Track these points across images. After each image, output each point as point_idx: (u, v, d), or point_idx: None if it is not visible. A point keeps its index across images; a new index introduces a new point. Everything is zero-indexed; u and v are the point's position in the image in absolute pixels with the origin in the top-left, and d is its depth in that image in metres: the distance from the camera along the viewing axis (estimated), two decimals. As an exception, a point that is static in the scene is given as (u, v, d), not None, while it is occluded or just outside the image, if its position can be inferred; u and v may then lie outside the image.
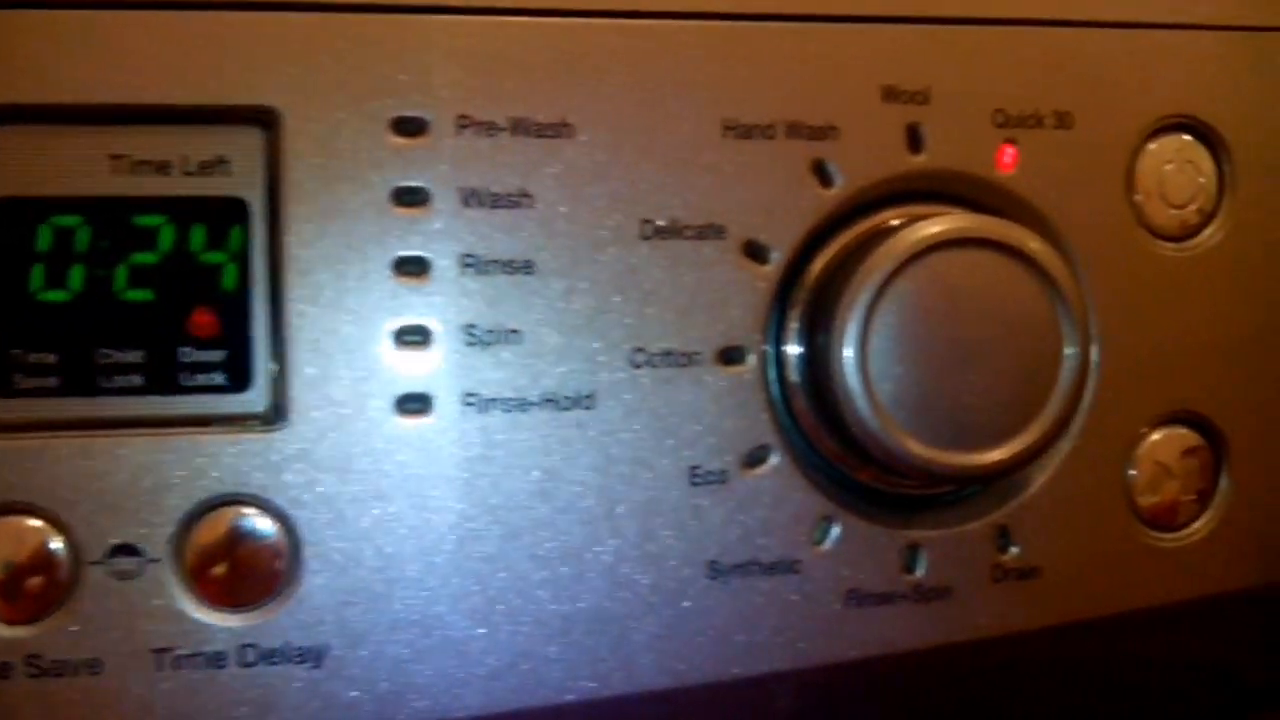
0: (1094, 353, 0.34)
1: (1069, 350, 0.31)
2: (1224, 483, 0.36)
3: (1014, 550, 0.34)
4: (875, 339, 0.30)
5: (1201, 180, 0.35)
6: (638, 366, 0.31)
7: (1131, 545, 0.35)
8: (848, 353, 0.30)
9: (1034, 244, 0.31)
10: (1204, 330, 0.35)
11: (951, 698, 0.35)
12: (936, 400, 0.31)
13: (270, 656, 0.30)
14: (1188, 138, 0.35)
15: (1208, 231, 0.35)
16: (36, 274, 0.29)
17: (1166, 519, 0.35)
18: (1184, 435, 0.35)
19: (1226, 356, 0.35)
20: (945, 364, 0.31)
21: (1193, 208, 0.35)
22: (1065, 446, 0.34)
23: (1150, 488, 0.35)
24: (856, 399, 0.30)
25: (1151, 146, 0.34)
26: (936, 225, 0.31)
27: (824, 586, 0.33)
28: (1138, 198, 0.34)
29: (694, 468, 0.31)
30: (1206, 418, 0.35)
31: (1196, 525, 0.36)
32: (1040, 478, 0.34)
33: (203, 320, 0.29)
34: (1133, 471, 0.35)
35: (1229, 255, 0.35)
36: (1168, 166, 0.34)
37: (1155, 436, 0.35)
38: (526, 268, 0.30)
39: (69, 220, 0.29)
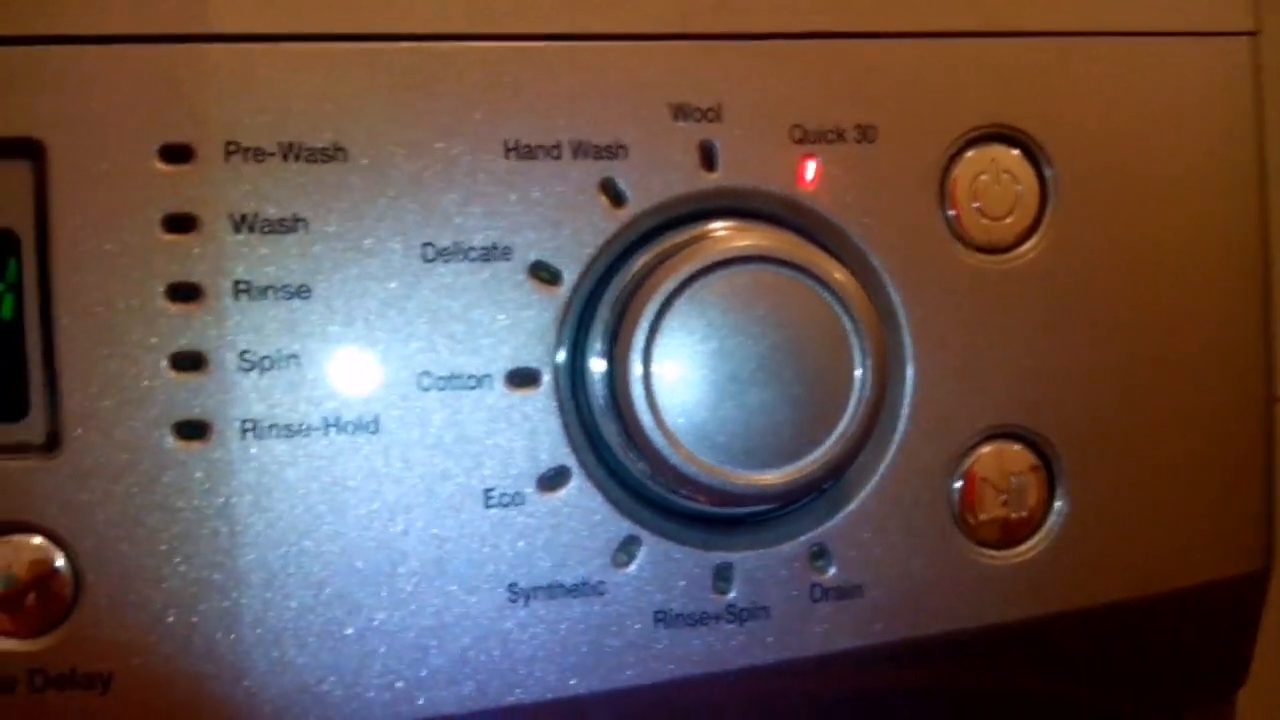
0: (909, 369, 0.33)
1: (858, 372, 0.31)
2: (1058, 502, 0.35)
3: (833, 570, 0.33)
4: (661, 357, 0.30)
5: (1020, 192, 0.34)
6: (425, 389, 0.31)
7: (959, 564, 0.34)
8: (635, 371, 0.30)
9: (822, 262, 0.31)
10: (1030, 345, 0.34)
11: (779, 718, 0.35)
12: (725, 420, 0.31)
13: (58, 682, 0.30)
14: (1005, 148, 0.34)
15: (1030, 244, 0.34)
16: None
17: (997, 537, 0.35)
18: (1015, 452, 0.35)
19: (1055, 372, 0.35)
20: (734, 383, 0.31)
21: (1010, 220, 0.34)
22: (883, 463, 0.33)
23: (979, 505, 0.34)
24: (643, 418, 0.30)
25: (966, 158, 0.34)
26: (719, 244, 0.30)
27: (631, 608, 0.32)
28: (951, 211, 0.34)
29: (488, 490, 0.31)
30: (1038, 435, 0.35)
31: (1029, 544, 0.35)
32: (859, 495, 0.33)
33: (-24, 352, 0.30)
34: (958, 486, 0.34)
35: (1054, 268, 0.34)
36: (982, 178, 0.34)
37: (982, 453, 0.34)
38: (303, 292, 0.30)
39: None
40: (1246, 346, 0.36)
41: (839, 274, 0.31)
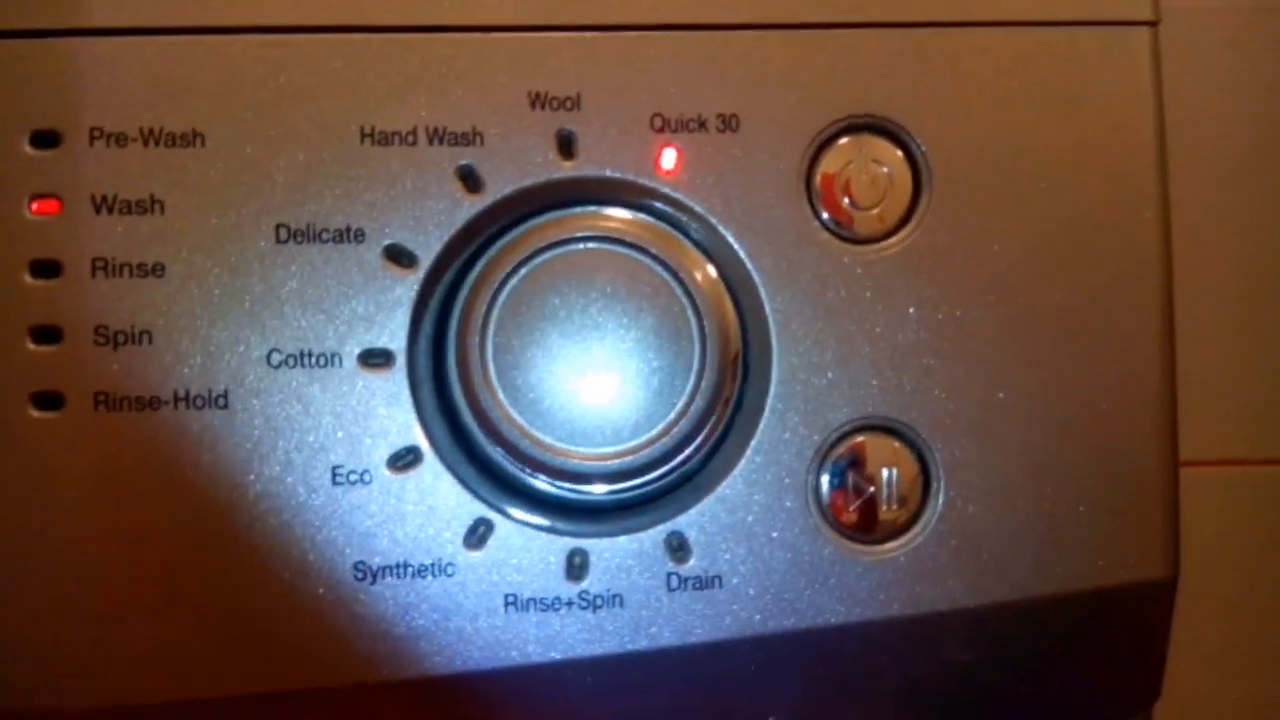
0: (774, 360, 0.33)
1: (696, 347, 0.31)
2: (934, 497, 0.34)
3: (692, 560, 0.33)
4: (503, 335, 0.31)
5: (890, 181, 0.34)
6: (275, 367, 0.32)
7: (825, 558, 0.34)
8: (476, 349, 0.31)
9: (661, 240, 0.31)
10: (901, 337, 0.34)
11: (636, 710, 0.34)
12: (567, 398, 0.31)
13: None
14: (875, 138, 0.34)
15: (902, 234, 0.34)
16: None
17: (868, 531, 0.34)
18: (887, 445, 0.34)
19: (928, 365, 0.34)
20: (577, 362, 0.31)
21: (878, 211, 0.34)
22: (747, 453, 0.33)
23: (848, 498, 0.34)
24: (483, 395, 0.31)
25: (836, 147, 0.34)
26: (553, 225, 0.31)
27: (481, 590, 0.32)
28: (819, 201, 0.34)
29: (336, 467, 0.32)
30: (911, 428, 0.34)
31: (901, 540, 0.34)
32: (719, 486, 0.33)
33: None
34: (825, 479, 0.34)
35: (928, 258, 0.34)
36: (850, 167, 0.34)
37: (852, 443, 0.34)
38: (157, 270, 0.31)
39: None
40: (1145, 340, 0.35)
41: (678, 251, 0.31)
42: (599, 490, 0.33)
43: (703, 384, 0.31)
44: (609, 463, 0.31)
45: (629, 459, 0.31)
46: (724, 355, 0.31)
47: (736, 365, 0.33)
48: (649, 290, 0.31)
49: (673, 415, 0.31)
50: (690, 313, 0.31)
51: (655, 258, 0.31)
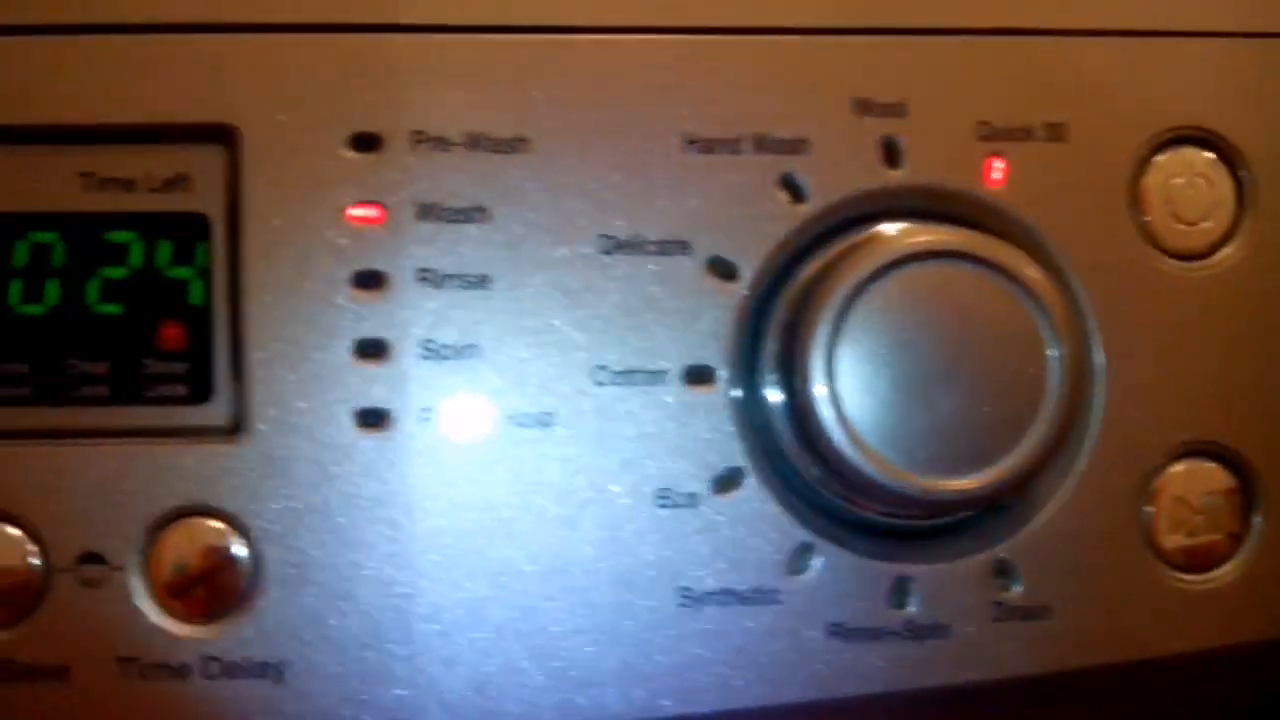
0: (1099, 380, 0.32)
1: (1051, 352, 0.29)
2: (1257, 522, 0.33)
3: (1017, 588, 0.32)
4: (846, 360, 0.29)
5: (1217, 196, 0.33)
6: (600, 384, 0.30)
7: (1152, 587, 0.32)
8: (818, 376, 0.29)
9: (1012, 257, 0.30)
10: (1226, 356, 0.33)
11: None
12: (915, 424, 0.29)
13: (233, 670, 0.30)
14: (1200, 151, 0.33)
15: (1227, 250, 0.33)
16: (14, 289, 0.30)
17: (1192, 560, 0.33)
18: (1210, 470, 0.33)
19: (1255, 385, 0.33)
20: (922, 385, 0.29)
21: (1206, 225, 0.33)
22: (1072, 478, 0.32)
23: (1172, 525, 0.33)
24: (828, 424, 0.29)
25: (1158, 160, 0.33)
26: (898, 239, 0.30)
27: (806, 619, 0.31)
28: (1144, 214, 0.32)
29: (661, 490, 0.30)
30: (1235, 451, 0.33)
31: (1227, 568, 0.33)
32: (1045, 511, 0.32)
33: (170, 334, 0.30)
34: (1150, 508, 0.32)
35: (1252, 275, 0.33)
36: (1177, 181, 0.33)
37: (1176, 470, 0.33)
38: (483, 282, 0.30)
39: (45, 236, 0.30)
40: None
41: (1030, 269, 0.30)
42: (927, 516, 0.32)
43: (1059, 403, 0.29)
44: (962, 490, 0.29)
45: (985, 485, 0.29)
46: (1076, 371, 0.30)
47: (1086, 387, 0.31)
48: (998, 307, 0.30)
49: (1029, 438, 0.29)
50: (1046, 329, 0.30)
51: (1007, 273, 0.29)
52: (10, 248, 0.30)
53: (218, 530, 0.30)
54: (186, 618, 0.30)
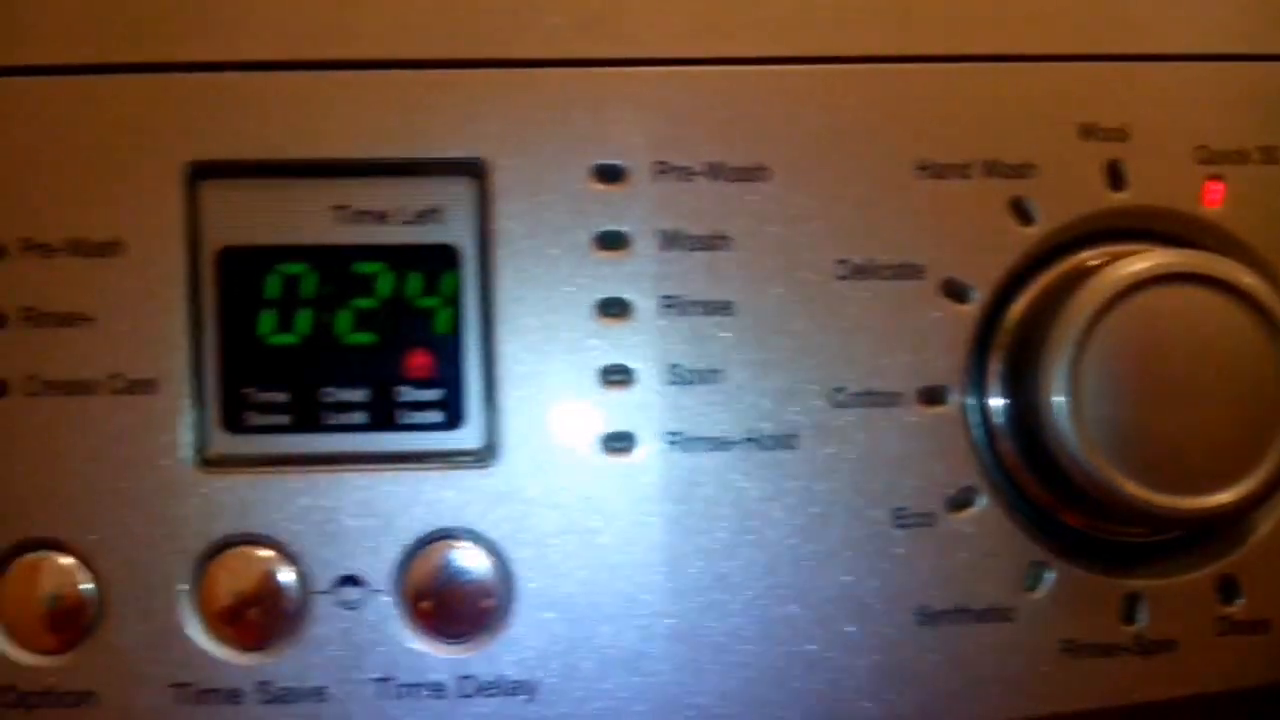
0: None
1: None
2: None
3: (1240, 601, 0.32)
4: (1085, 381, 0.30)
5: None
6: (839, 406, 0.31)
7: (1372, 598, 0.33)
8: (1058, 396, 0.30)
9: (1247, 278, 0.30)
10: None
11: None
12: (1153, 443, 0.30)
13: (487, 689, 0.30)
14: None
15: None
16: (266, 319, 0.31)
17: None
18: None
19: None
20: (1159, 405, 0.30)
21: None
22: (1288, 493, 0.32)
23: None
24: (1070, 443, 0.30)
25: (1372, 179, 0.33)
26: (1144, 261, 0.30)
27: (1039, 635, 0.32)
28: (1359, 234, 0.33)
29: (899, 510, 0.31)
30: None
31: None
32: (1266, 525, 0.32)
33: (418, 362, 0.31)
34: (1374, 521, 0.33)
35: None
36: (1386, 200, 0.33)
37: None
38: (725, 308, 0.31)
39: (296, 268, 0.31)
40: None
41: (1263, 290, 0.30)
42: (1157, 532, 0.32)
43: (1294, 427, 0.30)
44: (1199, 507, 0.30)
45: (1232, 504, 0.30)
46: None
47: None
48: (1231, 327, 0.30)
49: (1269, 458, 0.30)
50: (1280, 347, 0.30)
51: (1240, 292, 0.30)
52: (262, 279, 0.31)
53: (469, 552, 0.30)
54: (441, 638, 0.30)
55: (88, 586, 0.30)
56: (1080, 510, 0.31)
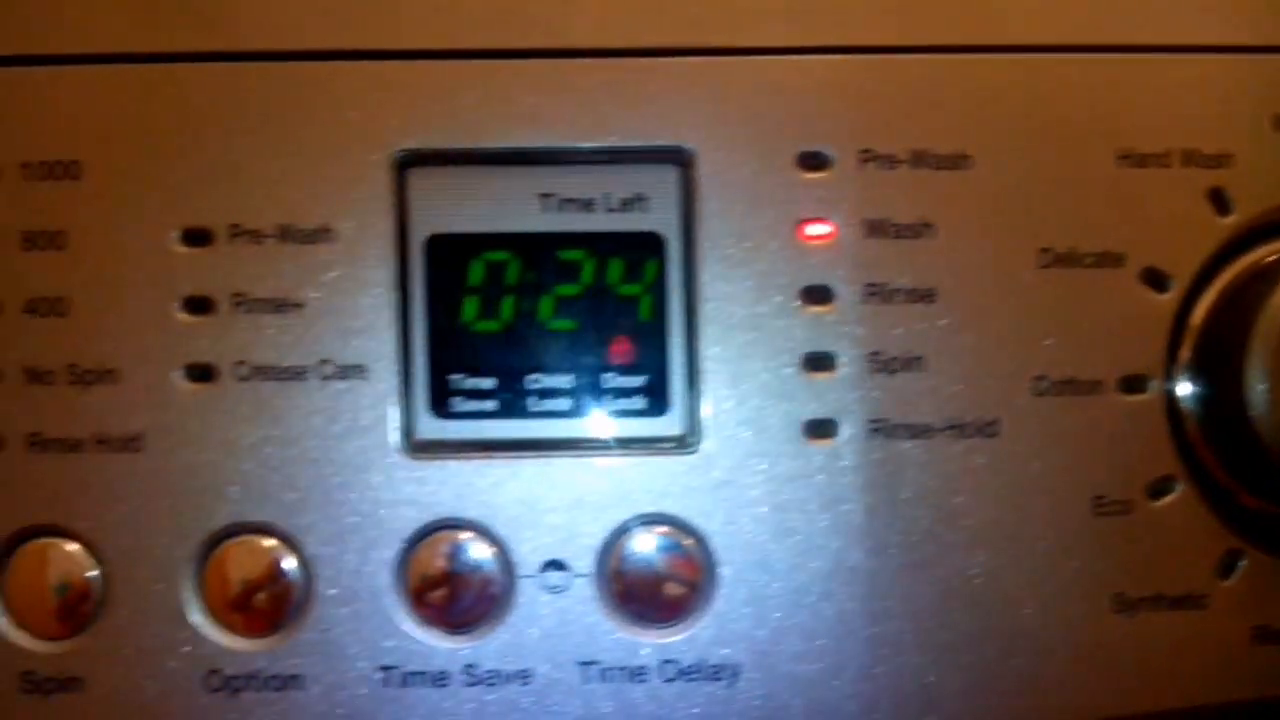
0: None
1: None
2: None
3: None
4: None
5: None
6: (1040, 394, 0.31)
7: None
8: (1259, 385, 0.30)
9: None
10: None
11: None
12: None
13: (689, 673, 0.30)
14: None
15: None
16: (470, 306, 0.31)
17: None
18: None
19: None
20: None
21: None
22: None
23: None
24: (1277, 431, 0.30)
25: None
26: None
27: (1232, 622, 0.32)
28: None
29: (1098, 497, 0.31)
30: None
31: None
32: None
33: (620, 348, 0.31)
34: None
35: None
36: None
37: None
38: (929, 296, 0.31)
39: (500, 255, 0.31)
40: None
41: None
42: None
43: None
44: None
45: None
46: None
47: None
48: None
49: None
50: None
51: None
52: (466, 266, 0.31)
53: (672, 537, 0.31)
54: (643, 622, 0.31)
55: (294, 570, 0.30)
56: (1275, 498, 0.31)
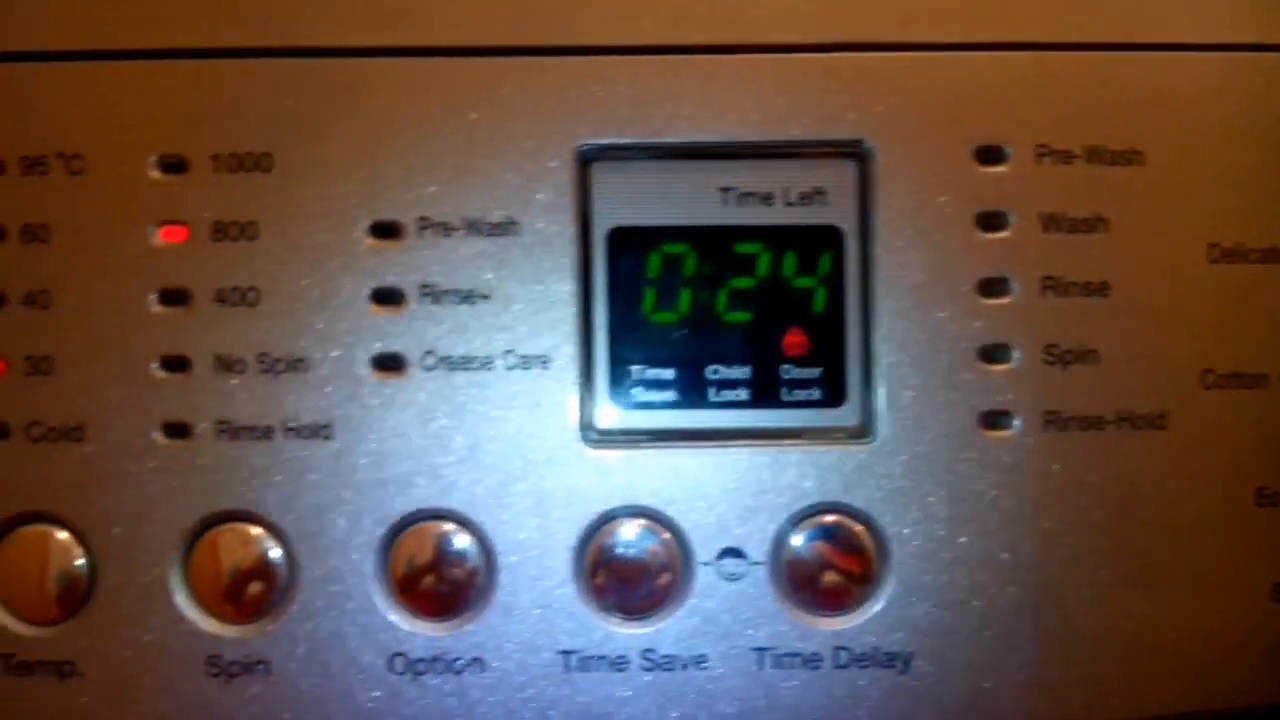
0: None
1: None
2: None
3: None
4: None
5: None
6: (1208, 387, 0.31)
7: None
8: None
9: None
10: None
11: None
12: None
13: (861, 660, 0.31)
14: None
15: None
16: (648, 297, 0.31)
17: None
18: None
19: None
20: None
21: None
22: None
23: None
24: None
25: None
26: None
27: (1382, 611, 0.32)
28: None
29: (1261, 489, 0.32)
30: None
31: None
32: None
33: (795, 340, 0.32)
34: None
35: None
36: None
37: None
38: (1102, 290, 0.31)
39: (678, 248, 0.31)
40: None
41: None
42: None
43: None
44: None
45: None
46: None
47: None
48: None
49: None
50: None
51: None
52: (645, 258, 0.31)
53: (846, 527, 0.31)
54: (817, 610, 0.31)
55: (475, 555, 0.31)
56: None
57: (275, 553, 0.31)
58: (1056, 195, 0.31)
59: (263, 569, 0.31)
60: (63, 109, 0.31)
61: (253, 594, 0.31)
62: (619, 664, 0.31)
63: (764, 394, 0.31)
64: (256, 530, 0.31)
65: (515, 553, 0.31)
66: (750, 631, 0.31)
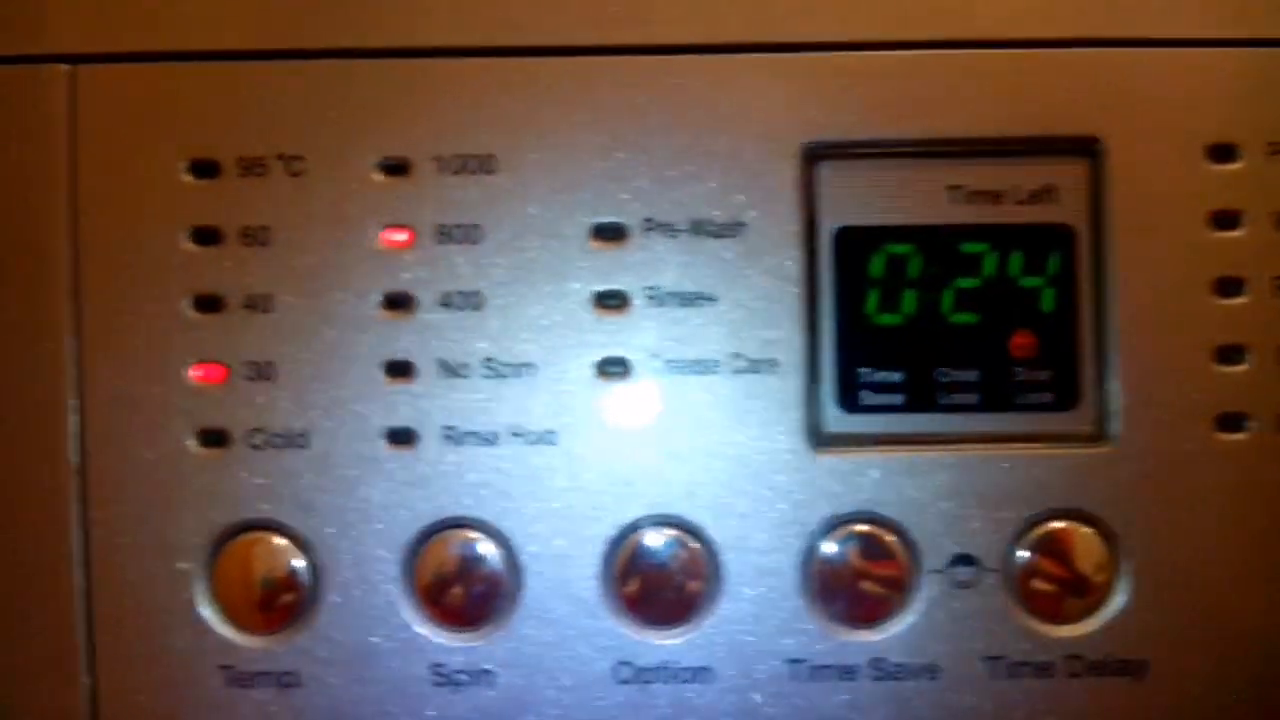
0: None
1: None
2: None
3: None
4: None
5: None
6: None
7: None
8: None
9: None
10: None
11: None
12: None
13: (1095, 668, 0.30)
14: None
15: None
16: (872, 299, 0.31)
17: None
18: None
19: None
20: None
21: None
22: None
23: None
24: None
25: None
26: None
27: None
28: None
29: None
30: None
31: None
32: None
33: (1022, 341, 0.31)
34: None
35: None
36: None
37: None
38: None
39: (902, 248, 0.31)
40: None
41: None
42: None
43: None
44: None
45: None
46: None
47: None
48: None
49: None
50: None
51: None
52: (868, 259, 0.31)
53: (1081, 534, 0.30)
54: (1051, 619, 0.31)
55: (704, 560, 0.30)
56: None
57: (498, 561, 0.30)
58: (1283, 190, 0.30)
59: (487, 578, 0.30)
60: (283, 109, 0.30)
61: (481, 603, 0.30)
62: (847, 673, 0.31)
63: (994, 397, 0.31)
64: (473, 534, 0.30)
65: (741, 559, 0.30)
66: (982, 640, 0.31)
